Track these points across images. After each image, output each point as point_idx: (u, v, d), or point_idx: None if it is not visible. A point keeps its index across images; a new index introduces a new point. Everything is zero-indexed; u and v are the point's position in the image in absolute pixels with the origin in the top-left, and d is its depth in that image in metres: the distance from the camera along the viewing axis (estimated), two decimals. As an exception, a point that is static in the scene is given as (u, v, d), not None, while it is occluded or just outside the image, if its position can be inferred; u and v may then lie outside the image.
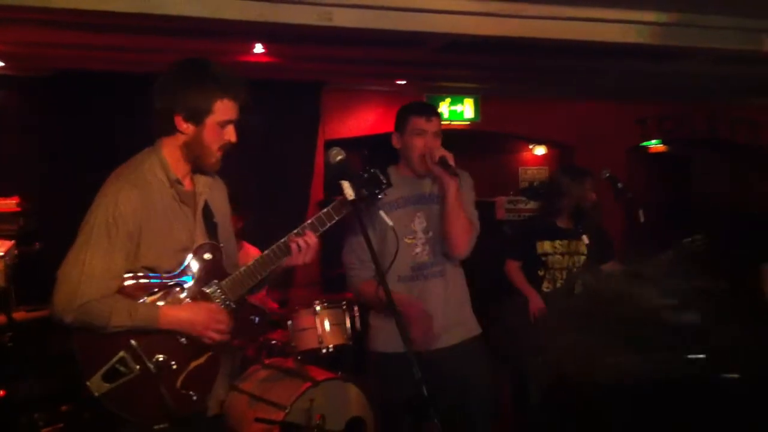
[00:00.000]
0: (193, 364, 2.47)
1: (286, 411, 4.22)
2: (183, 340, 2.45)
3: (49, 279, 2.45)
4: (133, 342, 2.36)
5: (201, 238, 2.53)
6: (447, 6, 4.76)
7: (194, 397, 2.46)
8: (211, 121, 2.46)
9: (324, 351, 4.84)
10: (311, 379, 4.43)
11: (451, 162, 3.21)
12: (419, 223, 3.42)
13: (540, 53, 5.97)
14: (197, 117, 2.45)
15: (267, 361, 4.93)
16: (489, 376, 3.51)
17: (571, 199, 4.42)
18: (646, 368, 3.27)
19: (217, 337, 2.46)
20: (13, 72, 6.75)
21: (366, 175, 2.72)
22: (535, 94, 8.44)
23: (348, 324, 4.99)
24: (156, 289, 2.43)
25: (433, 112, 3.41)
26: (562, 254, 4.40)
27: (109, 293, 2.36)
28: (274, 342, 5.15)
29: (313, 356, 4.89)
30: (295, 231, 2.61)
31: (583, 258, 4.40)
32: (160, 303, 2.42)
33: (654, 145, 9.96)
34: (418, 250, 3.40)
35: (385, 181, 2.75)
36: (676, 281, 3.72)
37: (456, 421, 3.46)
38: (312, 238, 2.61)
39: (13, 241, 5.17)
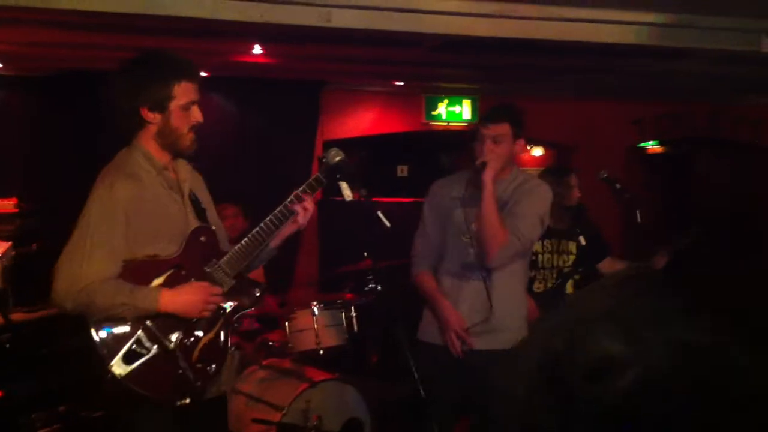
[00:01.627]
0: (206, 338, 2.61)
1: (283, 412, 4.22)
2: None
3: (47, 280, 2.47)
4: (148, 323, 2.48)
5: (194, 222, 2.66)
6: (447, 7, 4.76)
7: (211, 371, 2.61)
8: (174, 105, 2.58)
9: (321, 352, 4.84)
10: (308, 379, 4.43)
11: (489, 168, 3.27)
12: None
13: (538, 53, 5.97)
14: (161, 105, 2.57)
15: (265, 362, 4.92)
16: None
17: (555, 197, 4.44)
18: None
19: (214, 307, 2.61)
20: (14, 72, 6.74)
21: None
22: (533, 94, 8.42)
23: (345, 325, 4.99)
24: (163, 270, 2.54)
25: (492, 118, 3.42)
26: (551, 253, 4.42)
27: (110, 278, 2.44)
28: (271, 343, 5.15)
29: (311, 357, 4.89)
30: (288, 200, 2.75)
31: (572, 257, 4.42)
32: (164, 287, 2.52)
33: (653, 145, 9.94)
34: (471, 250, 3.42)
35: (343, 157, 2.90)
36: None
37: (475, 423, 3.49)
38: (310, 203, 2.79)
39: (10, 242, 5.17)
